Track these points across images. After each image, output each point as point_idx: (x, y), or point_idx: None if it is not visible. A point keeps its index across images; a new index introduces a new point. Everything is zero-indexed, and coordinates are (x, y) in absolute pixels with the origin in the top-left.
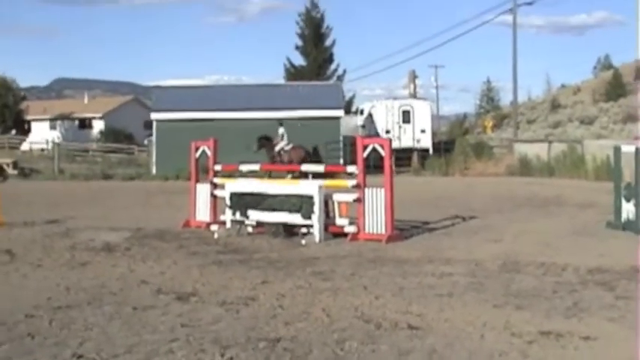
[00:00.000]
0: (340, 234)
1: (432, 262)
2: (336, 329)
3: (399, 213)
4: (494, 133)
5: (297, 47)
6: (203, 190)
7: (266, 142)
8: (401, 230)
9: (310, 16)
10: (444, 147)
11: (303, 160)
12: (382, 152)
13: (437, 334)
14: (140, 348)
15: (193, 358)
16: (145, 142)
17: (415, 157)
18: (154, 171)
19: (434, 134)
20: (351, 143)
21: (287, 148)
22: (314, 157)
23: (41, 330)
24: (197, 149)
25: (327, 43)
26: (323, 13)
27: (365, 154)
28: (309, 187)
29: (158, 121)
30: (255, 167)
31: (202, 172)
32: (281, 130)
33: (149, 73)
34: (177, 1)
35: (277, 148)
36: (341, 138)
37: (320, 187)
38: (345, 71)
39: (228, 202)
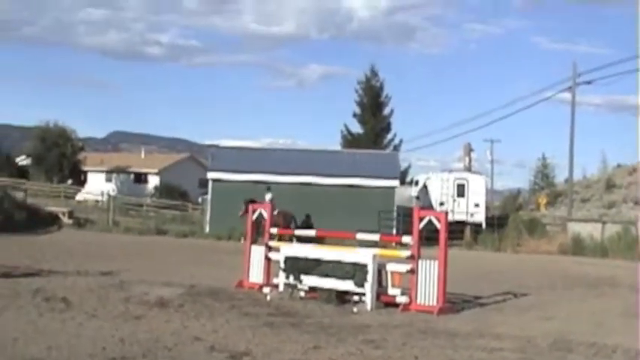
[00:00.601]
0: (392, 304)
1: (483, 336)
2: None
3: (451, 286)
4: (548, 210)
5: (354, 115)
6: (258, 252)
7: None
8: (452, 303)
9: (370, 85)
10: (497, 222)
11: (288, 225)
12: (438, 225)
13: None
14: None
15: None
16: (200, 200)
17: (468, 230)
18: (207, 229)
19: (487, 209)
20: (404, 214)
21: (274, 212)
22: (304, 223)
23: None
24: (254, 211)
25: (385, 112)
26: (382, 82)
27: (421, 226)
28: (363, 256)
29: (214, 180)
30: (311, 233)
31: (257, 234)
32: (268, 196)
33: (205, 131)
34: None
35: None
36: (395, 208)
37: (374, 256)
38: (401, 141)
39: (282, 265)
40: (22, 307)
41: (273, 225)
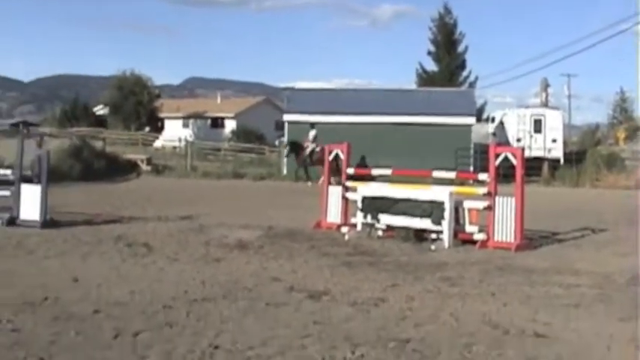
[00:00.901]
0: (469, 241)
1: (560, 272)
2: (463, 333)
3: (528, 222)
4: (627, 144)
5: (429, 53)
6: (335, 193)
7: (295, 146)
8: (530, 240)
9: (443, 22)
10: (575, 157)
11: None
12: (514, 161)
13: (563, 344)
14: (274, 342)
15: (325, 354)
16: (276, 142)
17: (545, 166)
18: (284, 171)
19: (565, 144)
20: (481, 151)
21: (317, 149)
22: (358, 165)
23: (179, 320)
24: (330, 152)
25: (460, 49)
26: (456, 19)
27: (497, 163)
28: (440, 194)
29: (290, 122)
30: (388, 172)
31: (334, 174)
32: (312, 133)
33: (279, 74)
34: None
35: (308, 151)
36: (472, 145)
37: (451, 194)
38: (477, 78)
39: (359, 205)
40: (105, 253)
41: (318, 162)
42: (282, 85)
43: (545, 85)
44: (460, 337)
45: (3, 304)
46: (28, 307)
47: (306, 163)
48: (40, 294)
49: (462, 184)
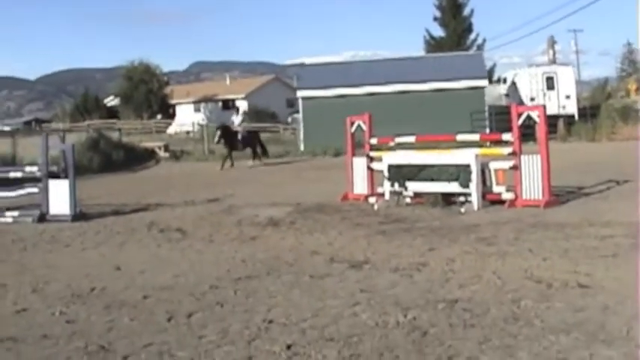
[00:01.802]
0: (497, 201)
1: (592, 225)
2: (509, 290)
3: (553, 179)
4: (639, 96)
5: (435, 18)
6: (360, 164)
7: (225, 131)
8: (557, 196)
9: None
10: (589, 112)
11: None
12: (537, 119)
13: (607, 292)
14: (325, 312)
15: (378, 319)
16: (289, 119)
17: (561, 123)
18: (301, 148)
19: (577, 100)
20: (496, 112)
21: (245, 134)
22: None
23: (228, 299)
24: (352, 124)
25: (466, 12)
26: None
27: (520, 122)
28: (465, 156)
29: (304, 98)
30: (411, 139)
31: (357, 146)
32: (239, 118)
33: (284, 51)
34: None
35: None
36: (486, 107)
37: (477, 156)
38: (484, 40)
39: (386, 173)
40: (141, 241)
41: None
42: (289, 62)
43: (552, 43)
44: (506, 293)
45: (53, 297)
46: (77, 298)
47: (238, 148)
48: (86, 285)
49: (480, 146)
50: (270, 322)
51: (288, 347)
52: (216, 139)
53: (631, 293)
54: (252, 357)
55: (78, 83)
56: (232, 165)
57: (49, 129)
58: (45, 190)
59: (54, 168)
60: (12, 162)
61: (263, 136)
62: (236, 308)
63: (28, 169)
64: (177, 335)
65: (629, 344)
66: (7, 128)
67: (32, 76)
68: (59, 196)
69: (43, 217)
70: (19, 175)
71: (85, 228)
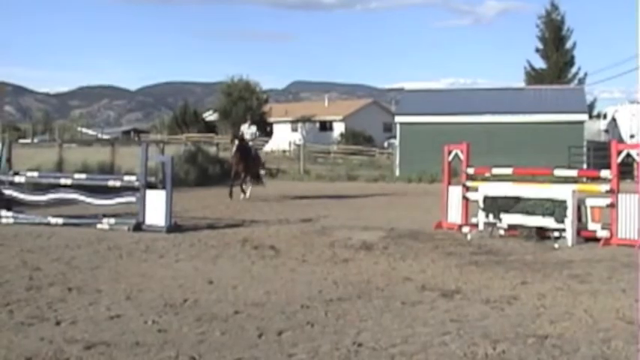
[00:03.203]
0: (592, 239)
1: None
2: (600, 329)
3: None
4: None
5: (537, 50)
6: (455, 193)
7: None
8: None
9: (551, 19)
10: None
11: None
12: (637, 158)
13: None
14: (415, 339)
15: (467, 350)
16: (385, 144)
17: None
18: (397, 173)
19: None
20: (594, 148)
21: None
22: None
23: (318, 319)
24: (449, 152)
25: (568, 45)
26: (563, 15)
27: (619, 160)
28: (562, 192)
29: (402, 124)
30: (508, 171)
31: (452, 175)
32: (251, 129)
33: (384, 76)
34: (411, 4)
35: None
36: (584, 142)
37: (573, 192)
38: (586, 74)
39: (481, 204)
40: (234, 256)
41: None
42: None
43: None
44: (597, 332)
45: (146, 306)
46: (169, 308)
47: (250, 170)
48: (179, 296)
49: (575, 182)
50: (360, 345)
51: None
52: (233, 151)
53: None
54: None
55: (177, 96)
56: (232, 193)
57: (148, 139)
58: (142, 200)
59: (152, 179)
60: (110, 170)
61: (357, 158)
62: (326, 329)
63: (126, 178)
64: (267, 352)
65: None
66: (106, 137)
67: (133, 87)
68: (155, 207)
69: (138, 227)
70: (117, 184)
71: (180, 240)
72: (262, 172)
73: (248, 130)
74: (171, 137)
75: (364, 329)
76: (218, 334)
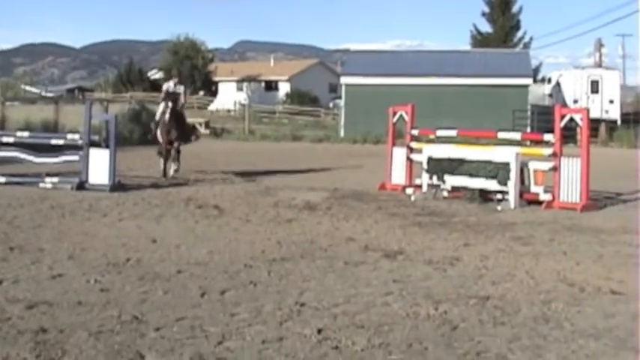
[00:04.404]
0: (535, 201)
1: (628, 232)
2: (541, 291)
3: (592, 183)
4: None
5: (483, 14)
6: (399, 154)
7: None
8: (595, 200)
9: None
10: (632, 118)
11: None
12: (580, 122)
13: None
14: (357, 299)
15: (409, 310)
16: (331, 105)
17: (603, 128)
18: (341, 134)
19: (621, 105)
20: (538, 112)
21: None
22: None
23: (261, 279)
24: (394, 114)
25: (514, 9)
26: None
27: (562, 124)
28: (506, 154)
29: (347, 85)
30: (452, 133)
31: (397, 136)
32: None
33: (330, 37)
34: None
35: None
36: (529, 106)
37: (517, 155)
38: (531, 39)
39: (425, 166)
40: (178, 215)
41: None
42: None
43: (600, 46)
44: (538, 294)
45: (89, 265)
46: (112, 267)
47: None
48: (122, 255)
49: (518, 145)
50: (303, 305)
51: (319, 331)
52: (166, 118)
53: None
54: (283, 338)
55: (122, 54)
56: (166, 172)
57: (92, 98)
58: (85, 159)
59: (96, 137)
60: (54, 129)
61: (302, 119)
62: (269, 289)
63: (69, 136)
64: (210, 311)
65: None
66: (50, 95)
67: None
68: (99, 166)
69: (82, 185)
70: (60, 142)
71: (123, 199)
72: (193, 138)
73: (174, 89)
74: (115, 96)
75: (307, 289)
76: (161, 294)
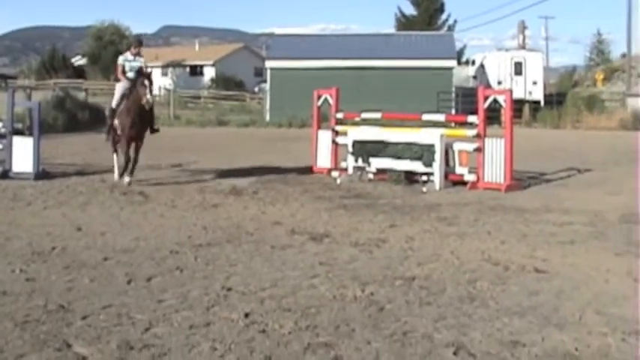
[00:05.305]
0: (460, 182)
1: (551, 211)
2: (466, 270)
3: (515, 163)
4: (605, 86)
5: None
6: (325, 137)
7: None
8: (519, 180)
9: None
10: (555, 99)
11: None
12: (503, 103)
13: (563, 278)
14: (284, 282)
15: (336, 292)
16: (256, 89)
17: (527, 109)
18: (267, 118)
19: (544, 86)
20: (463, 94)
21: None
22: None
23: (188, 265)
24: (319, 97)
25: None
26: None
27: (486, 105)
28: (430, 136)
29: (272, 69)
30: (377, 115)
31: (323, 119)
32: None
33: (255, 21)
34: None
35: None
36: (453, 88)
37: (441, 136)
38: (455, 21)
39: (350, 149)
40: (103, 203)
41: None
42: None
43: (523, 28)
44: (463, 274)
45: (13, 255)
46: (37, 256)
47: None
48: (47, 244)
49: (445, 126)
50: (229, 289)
51: (246, 315)
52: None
53: (586, 279)
54: (210, 323)
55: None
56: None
57: (15, 85)
58: (9, 147)
59: (19, 125)
60: None
61: (228, 103)
62: (196, 274)
63: None
64: (137, 298)
65: (581, 330)
66: None
67: None
68: (23, 154)
69: (5, 174)
70: None
71: (48, 187)
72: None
73: (133, 64)
74: (39, 83)
75: (234, 273)
76: (87, 282)
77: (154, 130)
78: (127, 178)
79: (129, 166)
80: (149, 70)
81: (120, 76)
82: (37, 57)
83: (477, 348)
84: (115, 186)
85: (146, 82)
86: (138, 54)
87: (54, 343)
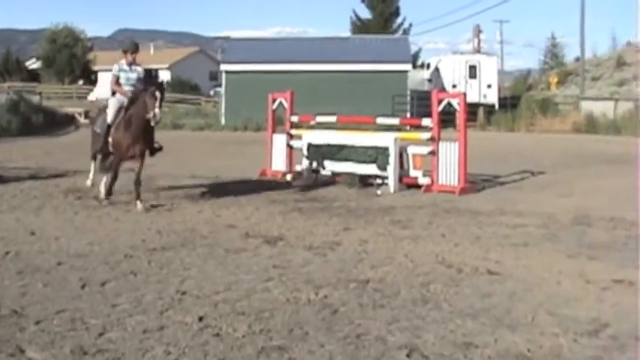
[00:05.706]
0: (414, 185)
1: (505, 214)
2: (419, 273)
3: (469, 166)
4: (559, 89)
5: (362, 0)
6: (279, 141)
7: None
8: (473, 183)
9: None
10: (509, 102)
11: None
12: (457, 107)
13: (515, 280)
14: (238, 286)
15: (290, 295)
16: (211, 92)
17: (481, 112)
18: (222, 122)
19: (499, 90)
20: (418, 97)
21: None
22: None
23: (142, 269)
24: (274, 101)
25: None
26: None
27: (440, 108)
28: (384, 139)
29: (228, 72)
30: (332, 119)
31: (278, 123)
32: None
33: (210, 24)
34: None
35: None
36: (408, 92)
37: (395, 140)
38: (411, 25)
39: (305, 152)
40: (57, 207)
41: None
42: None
43: (478, 32)
44: (417, 276)
45: None
46: None
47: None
48: (0, 248)
49: (399, 130)
50: (184, 293)
51: (200, 319)
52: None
53: (538, 281)
54: (164, 327)
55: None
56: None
57: None
58: None
59: None
60: None
61: (183, 107)
62: (150, 278)
63: None
64: (91, 303)
65: (534, 331)
66: None
67: None
68: None
69: None
70: None
71: (1, 191)
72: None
73: (130, 75)
74: None
75: (188, 277)
76: (41, 286)
77: (154, 151)
78: (139, 205)
79: (113, 185)
80: (160, 79)
81: (115, 87)
82: None
83: (431, 350)
84: (68, 190)
85: (157, 93)
86: (134, 62)
87: (7, 349)
